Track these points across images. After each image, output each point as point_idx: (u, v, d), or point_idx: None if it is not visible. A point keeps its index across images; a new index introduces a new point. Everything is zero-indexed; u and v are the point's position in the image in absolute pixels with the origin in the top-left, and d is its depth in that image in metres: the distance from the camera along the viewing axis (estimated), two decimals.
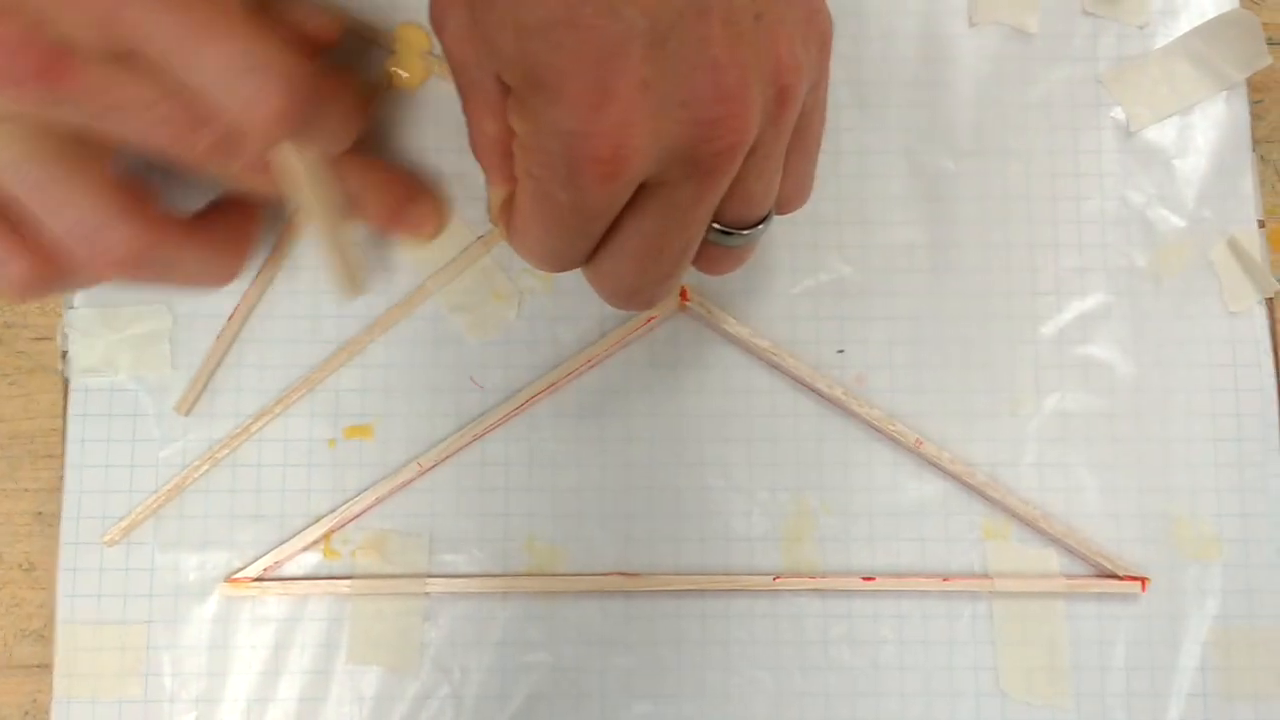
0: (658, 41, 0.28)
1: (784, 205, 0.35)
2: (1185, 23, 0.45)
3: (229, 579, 0.42)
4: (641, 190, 0.30)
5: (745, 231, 0.34)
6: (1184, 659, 0.42)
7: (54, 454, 0.43)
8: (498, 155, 0.33)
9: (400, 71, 0.44)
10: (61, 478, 0.43)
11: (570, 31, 0.27)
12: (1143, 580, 0.42)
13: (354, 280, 0.39)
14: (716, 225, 0.33)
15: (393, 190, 0.42)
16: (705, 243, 0.34)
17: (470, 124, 0.33)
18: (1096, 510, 0.43)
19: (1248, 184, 0.44)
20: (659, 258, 0.32)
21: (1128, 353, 0.44)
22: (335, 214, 0.38)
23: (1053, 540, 0.43)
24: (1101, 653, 0.42)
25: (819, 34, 0.31)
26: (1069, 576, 0.43)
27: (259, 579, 0.42)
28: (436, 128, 0.44)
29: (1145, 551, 0.43)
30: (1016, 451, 0.43)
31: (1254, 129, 0.45)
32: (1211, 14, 0.45)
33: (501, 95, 0.31)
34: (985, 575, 0.43)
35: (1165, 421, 0.43)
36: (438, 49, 0.45)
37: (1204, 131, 0.45)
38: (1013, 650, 0.42)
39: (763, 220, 0.34)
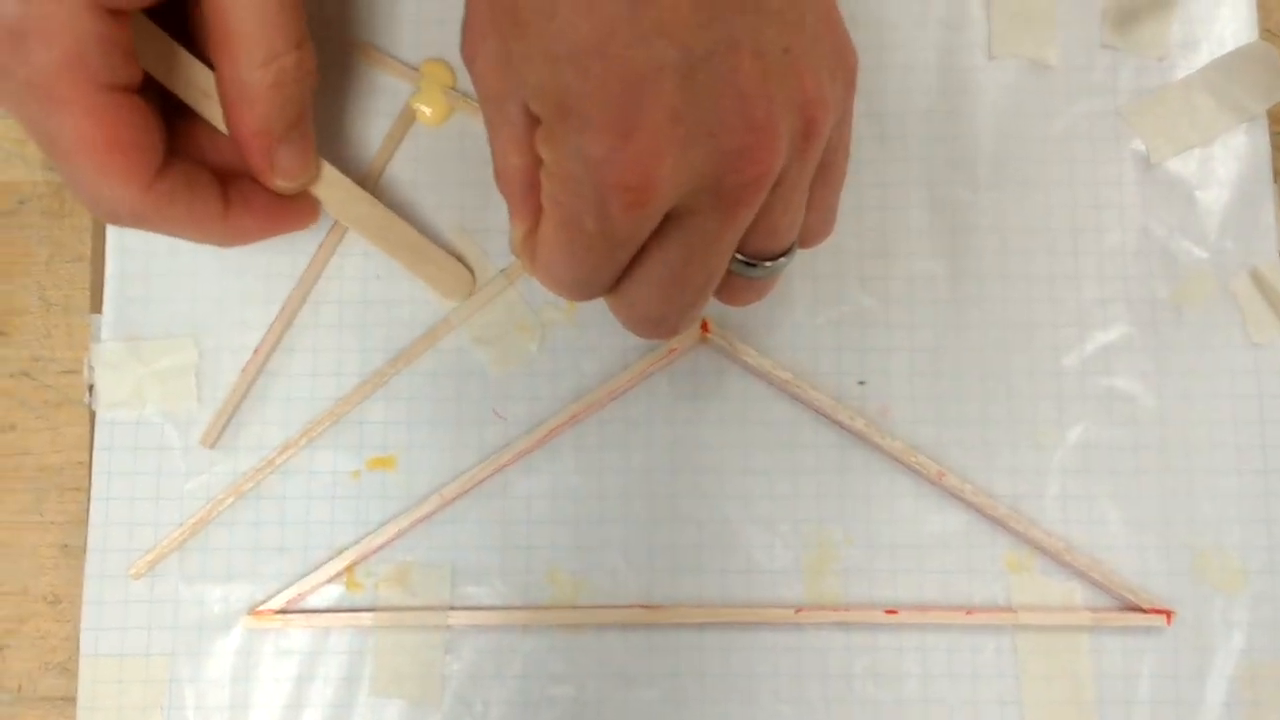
0: (688, 72, 0.28)
1: (807, 239, 0.35)
2: (1205, 55, 0.45)
3: (253, 611, 0.42)
4: (667, 219, 0.31)
5: (768, 263, 0.34)
6: (1210, 693, 0.42)
7: (80, 487, 0.44)
8: (522, 187, 0.33)
9: (424, 108, 0.45)
10: (87, 510, 0.43)
11: (601, 61, 0.28)
12: (1168, 613, 0.42)
13: (453, 280, 0.43)
14: (740, 256, 0.33)
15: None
16: (728, 274, 0.34)
17: (495, 156, 0.33)
18: (1121, 543, 0.43)
19: (1269, 215, 0.44)
20: (683, 287, 0.32)
21: (1150, 384, 0.44)
22: (388, 222, 0.42)
23: (1077, 573, 0.42)
24: (1127, 687, 0.42)
25: (845, 69, 0.32)
26: (1093, 609, 0.42)
27: (282, 611, 0.42)
28: (459, 163, 0.45)
29: (1170, 584, 0.43)
30: (1040, 483, 0.43)
31: (1275, 160, 0.45)
32: (1231, 47, 0.45)
33: (528, 127, 0.31)
34: (1009, 608, 0.42)
35: (1189, 453, 0.43)
36: (462, 85, 0.45)
37: (1225, 163, 0.45)
38: (1037, 684, 0.42)
39: (786, 253, 0.34)
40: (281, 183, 0.39)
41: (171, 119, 0.38)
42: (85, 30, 0.33)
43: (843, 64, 0.31)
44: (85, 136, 0.34)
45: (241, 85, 0.36)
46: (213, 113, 0.38)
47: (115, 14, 0.34)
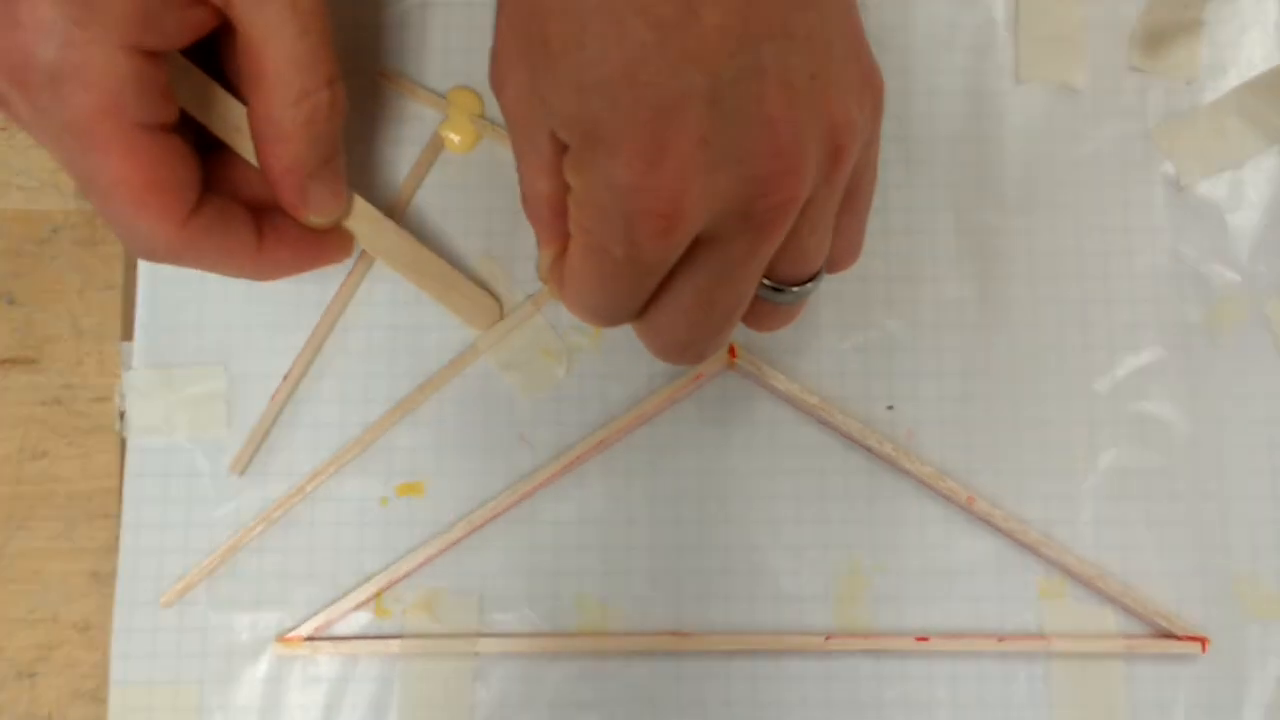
0: (715, 99, 0.28)
1: (834, 264, 0.35)
2: (1234, 78, 0.45)
3: (281, 638, 0.42)
4: (695, 245, 0.31)
5: (796, 289, 0.34)
6: None
7: (111, 514, 0.44)
8: (549, 213, 0.34)
9: (452, 135, 0.45)
10: (118, 538, 0.43)
11: (629, 89, 0.28)
12: (1203, 640, 0.42)
13: (479, 309, 0.43)
14: (767, 282, 0.33)
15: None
16: (755, 299, 0.34)
17: (523, 182, 0.34)
18: (1155, 569, 0.42)
19: None
20: (711, 313, 0.32)
21: (1184, 408, 0.43)
22: (416, 253, 0.42)
23: (1110, 599, 0.42)
24: (1161, 715, 0.42)
25: (872, 94, 0.32)
26: (1127, 636, 0.42)
27: (311, 638, 0.42)
28: (487, 190, 0.45)
29: (1205, 611, 0.42)
30: (1072, 509, 0.43)
31: None
32: (1259, 69, 0.45)
33: (556, 154, 0.31)
34: (1041, 635, 0.42)
35: (1223, 478, 0.43)
36: (489, 112, 0.45)
37: (1256, 186, 0.45)
38: (1070, 713, 0.42)
39: (813, 278, 0.34)
40: (314, 218, 0.39)
41: (205, 154, 0.38)
42: (122, 72, 0.33)
43: (869, 89, 0.31)
44: (122, 176, 0.34)
45: (274, 123, 0.36)
46: (247, 149, 0.39)
47: (151, 55, 0.34)
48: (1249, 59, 0.45)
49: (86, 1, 0.32)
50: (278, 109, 0.36)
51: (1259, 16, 0.46)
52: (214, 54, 0.38)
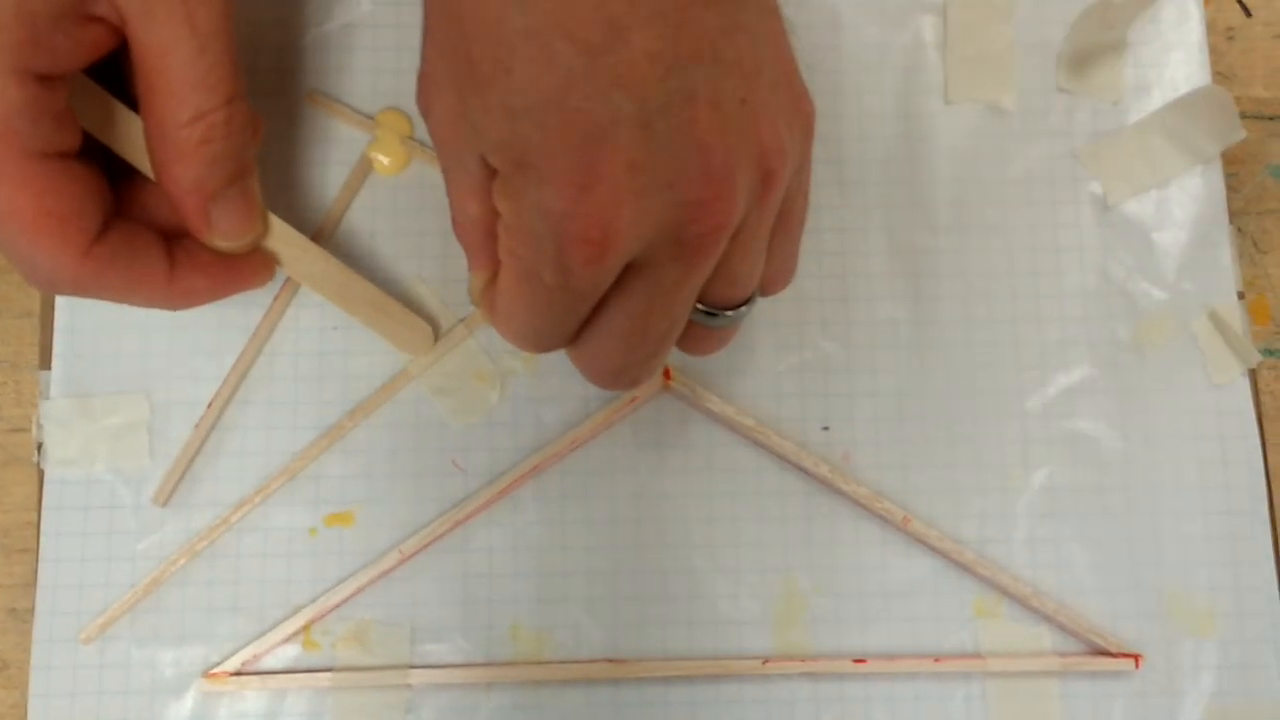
0: (645, 124, 0.28)
1: (768, 287, 0.35)
2: (1158, 99, 0.46)
3: (206, 674, 0.41)
4: (627, 271, 0.30)
5: (729, 312, 0.34)
6: None
7: (28, 548, 0.42)
8: (480, 237, 0.33)
9: (381, 157, 0.44)
10: (36, 572, 0.42)
11: (558, 114, 0.28)
12: (1136, 657, 0.42)
13: (412, 334, 0.42)
14: (701, 306, 0.33)
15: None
16: (689, 323, 0.34)
17: (453, 206, 0.33)
18: (1089, 586, 0.43)
19: (1226, 256, 0.45)
20: (644, 338, 0.32)
21: (1114, 426, 0.44)
22: (344, 278, 0.41)
23: (1045, 617, 0.42)
24: None
25: (802, 118, 0.32)
26: (1062, 654, 0.42)
27: (237, 673, 0.41)
28: (417, 213, 0.44)
29: (1139, 627, 0.42)
30: (1006, 527, 0.43)
31: (1230, 201, 0.45)
32: (1183, 90, 0.46)
33: (485, 178, 0.31)
34: (978, 655, 0.42)
35: (1155, 495, 0.43)
36: (419, 134, 0.45)
37: (1181, 205, 0.45)
38: None
39: (747, 301, 0.34)
40: (221, 241, 0.38)
41: (118, 178, 0.37)
42: (11, 100, 0.32)
43: (799, 113, 0.31)
44: (15, 207, 0.33)
45: (169, 143, 0.35)
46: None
47: (45, 80, 0.33)
48: (1172, 79, 0.46)
49: None
50: (171, 129, 0.35)
51: (1182, 38, 0.46)
52: (122, 74, 0.37)
